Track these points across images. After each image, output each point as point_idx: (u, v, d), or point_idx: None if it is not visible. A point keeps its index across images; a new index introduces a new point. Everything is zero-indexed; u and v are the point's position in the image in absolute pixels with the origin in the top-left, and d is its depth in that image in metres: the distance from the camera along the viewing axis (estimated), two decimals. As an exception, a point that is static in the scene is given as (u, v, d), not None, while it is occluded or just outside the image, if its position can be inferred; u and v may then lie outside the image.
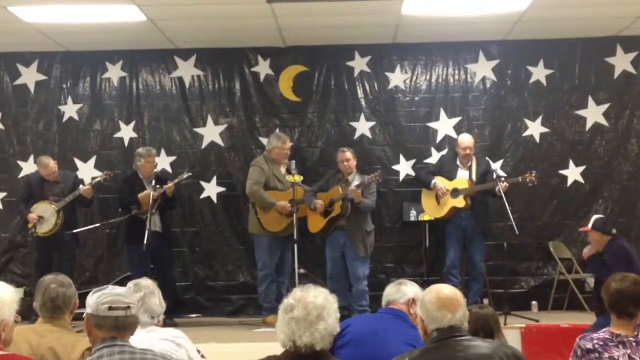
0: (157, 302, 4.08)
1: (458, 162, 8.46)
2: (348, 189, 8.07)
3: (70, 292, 3.94)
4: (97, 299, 3.17)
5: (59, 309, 3.89)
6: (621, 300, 3.97)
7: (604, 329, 4.00)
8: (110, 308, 3.13)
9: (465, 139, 8.45)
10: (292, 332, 3.01)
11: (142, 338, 3.73)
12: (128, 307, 3.17)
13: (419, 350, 3.17)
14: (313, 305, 3.04)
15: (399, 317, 4.18)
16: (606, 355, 3.88)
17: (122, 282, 8.40)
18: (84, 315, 3.23)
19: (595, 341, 3.92)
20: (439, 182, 8.41)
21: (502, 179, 8.10)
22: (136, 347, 3.19)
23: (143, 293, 4.03)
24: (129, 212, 8.30)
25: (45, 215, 8.29)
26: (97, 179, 8.53)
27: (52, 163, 8.46)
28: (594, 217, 7.33)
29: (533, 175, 8.19)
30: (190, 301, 9.25)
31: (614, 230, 7.20)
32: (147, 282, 4.17)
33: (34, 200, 8.42)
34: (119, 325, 3.14)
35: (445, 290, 3.28)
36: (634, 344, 3.90)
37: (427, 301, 3.23)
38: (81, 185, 8.40)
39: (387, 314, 4.23)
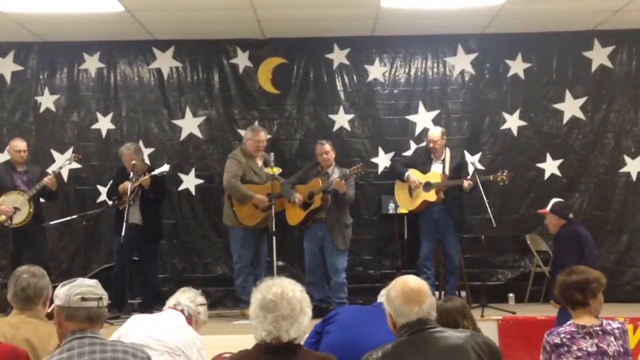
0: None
1: (432, 156, 8.45)
2: (328, 181, 8.06)
3: (42, 283, 3.92)
4: (68, 290, 3.15)
5: (30, 299, 3.87)
6: (567, 290, 4.06)
7: (569, 322, 4.05)
8: (83, 299, 3.12)
9: (432, 132, 8.42)
10: (277, 329, 3.00)
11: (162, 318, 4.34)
12: (100, 299, 3.17)
13: (392, 345, 3.16)
14: (296, 300, 3.05)
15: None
16: (575, 347, 3.92)
17: (99, 275, 8.42)
18: (54, 307, 3.21)
19: (562, 335, 3.97)
20: (413, 174, 8.40)
21: (468, 177, 8.07)
22: (106, 339, 3.18)
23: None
24: (106, 203, 8.24)
25: (17, 205, 8.19)
26: (65, 164, 8.50)
27: (25, 144, 8.40)
28: (553, 200, 7.22)
29: (504, 174, 8.11)
30: (168, 293, 8.96)
31: (570, 215, 7.18)
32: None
33: (0, 192, 8.25)
34: (91, 317, 3.13)
35: (410, 283, 3.23)
36: (600, 333, 3.96)
37: (394, 297, 3.19)
38: (47, 176, 8.26)
39: (377, 308, 4.27)
